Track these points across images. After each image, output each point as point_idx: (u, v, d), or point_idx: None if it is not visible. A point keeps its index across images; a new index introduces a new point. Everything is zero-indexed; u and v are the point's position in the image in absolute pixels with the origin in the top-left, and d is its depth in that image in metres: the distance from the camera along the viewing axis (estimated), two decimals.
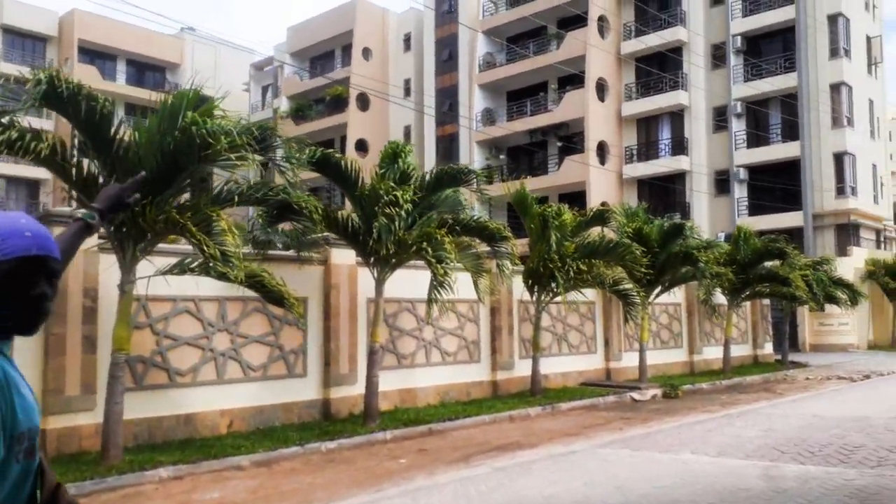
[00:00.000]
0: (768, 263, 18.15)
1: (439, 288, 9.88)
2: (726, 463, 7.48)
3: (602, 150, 33.75)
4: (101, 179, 7.66)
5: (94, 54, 40.62)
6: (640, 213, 15.67)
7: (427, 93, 39.17)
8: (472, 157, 36.28)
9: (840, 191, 30.69)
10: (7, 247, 1.44)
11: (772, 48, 32.60)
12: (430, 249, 9.78)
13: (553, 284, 12.52)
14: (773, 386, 16.40)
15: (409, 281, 11.99)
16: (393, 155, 10.73)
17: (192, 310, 9.48)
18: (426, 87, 39.50)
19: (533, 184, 34.67)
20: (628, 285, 13.74)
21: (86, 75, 29.83)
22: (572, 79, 34.05)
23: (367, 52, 40.75)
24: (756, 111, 32.69)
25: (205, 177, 8.25)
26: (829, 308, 23.77)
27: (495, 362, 13.59)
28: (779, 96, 31.69)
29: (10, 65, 35.98)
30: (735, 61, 32.53)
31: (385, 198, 9.67)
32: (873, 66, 33.88)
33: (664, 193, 34.03)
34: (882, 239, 34.42)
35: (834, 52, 30.95)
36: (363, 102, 40.05)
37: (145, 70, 43.85)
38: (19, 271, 1.45)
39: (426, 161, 39.02)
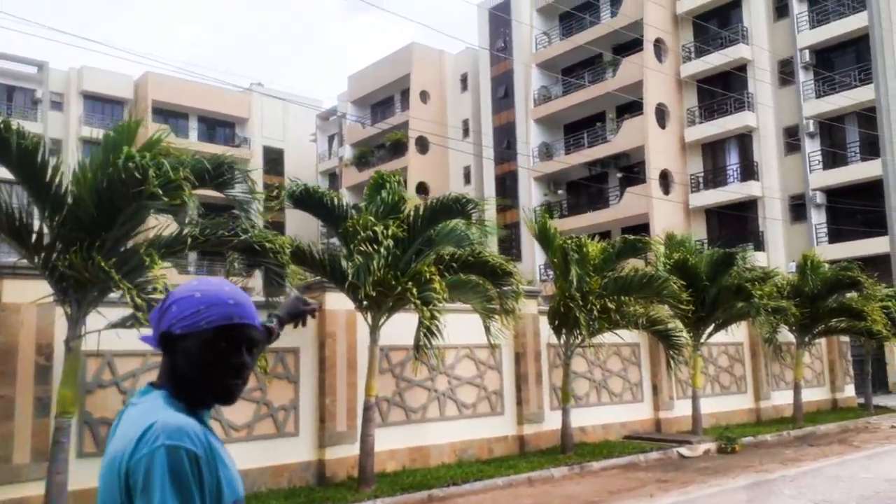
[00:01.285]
0: (842, 295, 15.93)
1: (429, 333, 8.84)
2: None
3: (665, 179, 31.82)
4: (42, 228, 7.10)
5: (167, 113, 42.49)
6: (687, 242, 14.05)
7: (485, 132, 38.53)
8: (530, 193, 35.12)
9: None
10: (211, 315, 1.44)
11: (844, 60, 30.01)
12: (415, 290, 8.78)
13: (578, 326, 11.17)
14: (850, 436, 14.16)
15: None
16: (376, 186, 9.84)
17: None
18: (484, 126, 38.90)
19: (593, 218, 33.11)
20: (670, 325, 12.16)
21: (160, 132, 31.11)
22: (631, 107, 32.51)
23: (424, 95, 40.69)
24: (831, 129, 30.02)
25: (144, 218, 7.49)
26: None
27: (521, 415, 12.25)
28: (855, 111, 28.96)
29: (89, 128, 38.18)
30: (804, 77, 30.11)
31: (362, 233, 8.76)
32: None
33: (735, 223, 31.59)
34: None
35: None
36: (422, 146, 39.86)
37: (216, 126, 45.62)
38: (221, 340, 1.44)
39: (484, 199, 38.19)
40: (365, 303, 9.37)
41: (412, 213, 9.69)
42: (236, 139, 45.44)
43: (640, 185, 31.23)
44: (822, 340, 18.10)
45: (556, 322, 11.86)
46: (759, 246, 30.32)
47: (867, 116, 28.77)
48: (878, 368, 23.84)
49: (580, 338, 11.83)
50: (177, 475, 1.30)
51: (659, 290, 11.52)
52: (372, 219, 9.02)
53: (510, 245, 35.61)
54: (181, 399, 1.45)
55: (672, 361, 12.17)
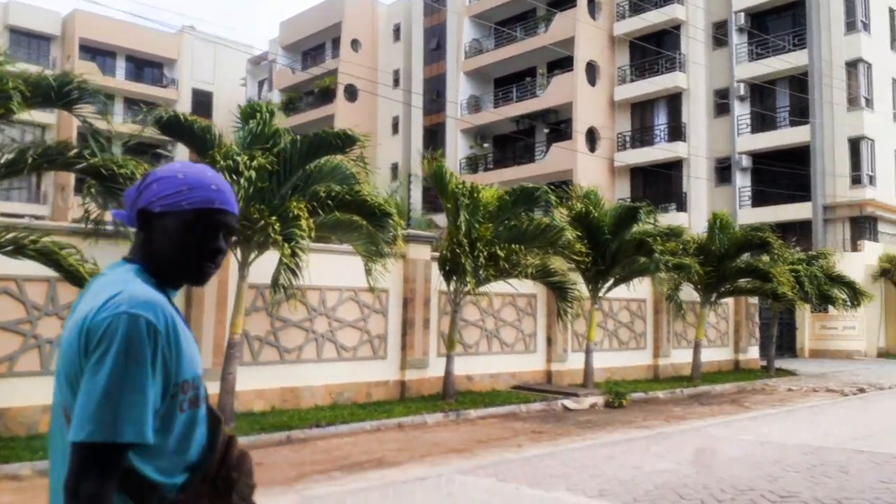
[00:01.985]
0: (752, 256, 15.80)
1: (289, 272, 8.08)
2: None
3: (592, 136, 31.44)
4: None
5: (95, 51, 40.84)
6: (592, 195, 13.52)
7: (415, 83, 37.31)
8: (456, 146, 34.29)
9: (855, 179, 27.93)
10: (193, 197, 1.43)
11: (780, 25, 29.92)
12: (277, 226, 8.02)
13: (466, 273, 10.51)
14: (744, 397, 14.10)
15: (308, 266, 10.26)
16: (245, 114, 8.96)
17: None
18: (414, 76, 37.66)
19: (518, 172, 32.47)
20: (564, 277, 11.64)
21: (86, 71, 29.39)
22: (562, 63, 31.81)
23: (355, 44, 39.18)
24: (762, 93, 30.07)
25: None
26: (835, 310, 21.26)
27: (405, 360, 11.62)
28: (787, 76, 29.02)
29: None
30: (738, 39, 29.94)
31: (221, 162, 7.86)
32: None
33: (659, 182, 31.60)
34: None
35: (850, 26, 28.17)
36: (351, 94, 38.44)
37: (144, 66, 43.67)
38: (200, 222, 1.43)
39: (413, 151, 37.22)
40: (233, 238, 8.48)
41: (288, 146, 8.83)
42: (164, 80, 43.31)
43: (567, 141, 30.79)
44: (730, 301, 18.08)
45: (447, 268, 11.19)
46: (682, 207, 30.44)
47: (799, 81, 28.87)
48: (787, 332, 24.32)
49: (469, 285, 11.21)
50: (132, 342, 1.27)
51: (553, 240, 10.93)
52: (235, 148, 8.13)
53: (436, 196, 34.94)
54: (152, 275, 1.44)
55: (564, 314, 11.68)
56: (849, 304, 17.46)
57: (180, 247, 1.44)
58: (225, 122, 45.62)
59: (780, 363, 20.58)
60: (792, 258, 16.95)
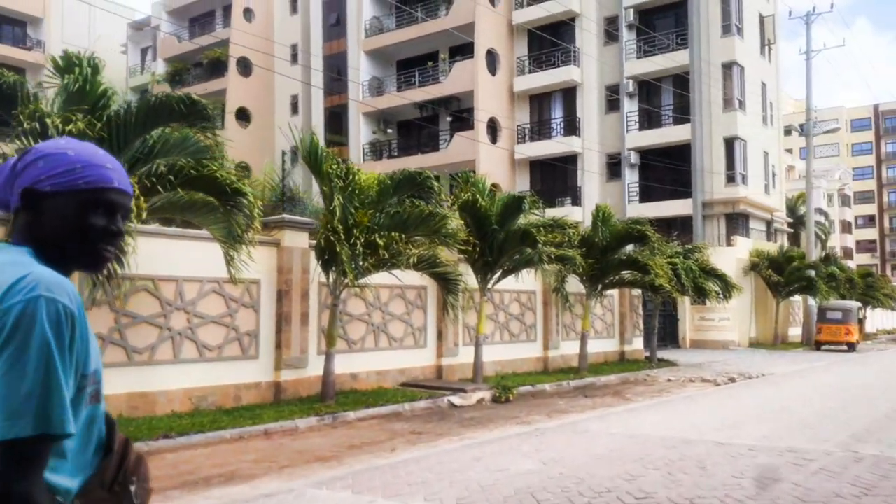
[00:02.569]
0: (632, 248, 16.08)
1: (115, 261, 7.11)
2: None
3: (493, 126, 31.43)
4: None
5: None
6: (480, 184, 13.20)
7: (315, 60, 35.85)
8: (359, 130, 33.34)
9: (730, 178, 29.44)
10: (89, 175, 1.34)
11: (666, 23, 30.99)
12: None
13: (341, 263, 9.86)
14: (626, 389, 14.35)
15: (160, 254, 9.20)
16: (59, 69, 7.76)
17: None
18: (314, 53, 36.17)
19: (423, 161, 31.94)
20: (449, 267, 11.24)
21: None
22: (464, 49, 31.55)
23: (248, 13, 37.01)
24: (649, 90, 31.08)
25: None
26: (711, 302, 22.28)
27: (280, 359, 10.83)
28: (671, 75, 30.13)
29: None
30: (628, 36, 30.76)
31: (25, 124, 6.74)
32: (767, 48, 32.82)
33: (557, 176, 32.10)
34: (772, 231, 33.64)
35: (726, 30, 29.55)
36: (245, 68, 36.37)
37: (3, 24, 38.94)
38: (99, 203, 1.34)
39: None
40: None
41: (121, 111, 7.76)
42: (28, 41, 39.04)
43: (470, 131, 30.60)
44: (615, 293, 18.44)
45: (325, 257, 10.50)
46: (577, 201, 31.05)
47: (682, 81, 30.00)
48: (670, 324, 25.31)
49: (350, 276, 10.57)
50: (53, 328, 1.19)
51: (437, 228, 10.48)
52: (44, 108, 6.96)
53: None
54: (46, 259, 1.31)
55: (451, 307, 11.30)
56: (721, 296, 18.22)
57: (76, 229, 1.33)
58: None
59: (662, 353, 21.35)
60: (670, 251, 17.46)
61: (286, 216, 11.37)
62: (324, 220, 10.02)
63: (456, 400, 11.69)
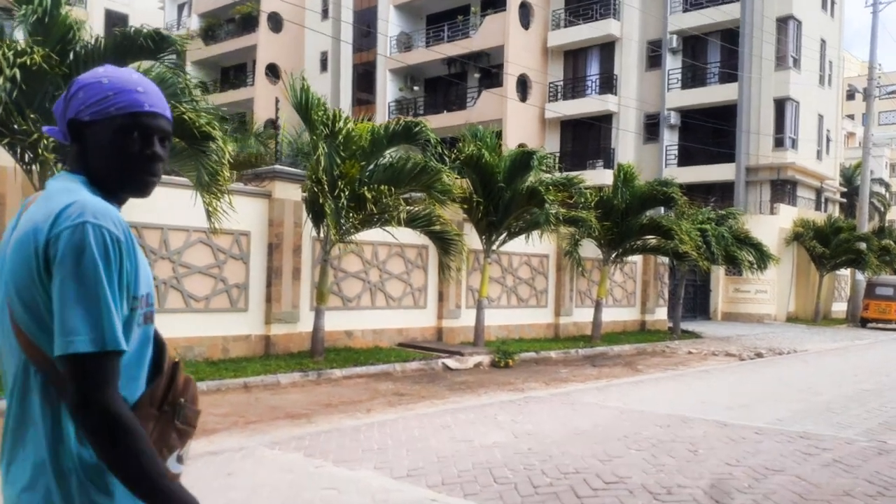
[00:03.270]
0: (657, 212, 15.32)
1: None
2: (388, 498, 4.68)
3: (524, 84, 30.47)
4: None
5: None
6: (488, 137, 12.64)
7: (345, 16, 35.25)
8: (385, 87, 32.78)
9: (778, 142, 27.99)
10: (120, 101, 1.38)
11: None
12: (48, 141, 6.82)
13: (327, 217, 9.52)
14: (640, 360, 13.78)
15: (142, 200, 9.00)
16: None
17: None
18: (344, 8, 35.55)
19: (449, 119, 31.31)
20: (445, 226, 10.81)
21: None
22: (497, 2, 30.49)
23: None
24: (694, 47, 29.60)
25: None
26: (747, 273, 21.34)
27: (270, 313, 10.65)
28: (719, 30, 28.57)
29: None
30: None
31: None
32: (829, 1, 30.84)
33: (589, 137, 31.07)
34: (822, 200, 32.06)
35: None
36: (276, 24, 36.00)
37: None
38: (132, 128, 1.38)
39: (342, 91, 35.48)
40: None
41: (89, 46, 7.47)
42: None
43: (498, 88, 29.73)
44: (638, 260, 17.75)
45: (315, 211, 10.19)
46: (609, 163, 29.99)
47: (731, 36, 28.45)
48: (701, 294, 24.45)
49: (342, 231, 10.25)
50: (101, 251, 1.25)
51: (430, 183, 10.03)
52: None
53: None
54: (97, 186, 1.39)
55: (446, 267, 10.90)
56: (755, 266, 17.33)
57: (115, 155, 1.38)
58: None
59: (691, 325, 20.61)
60: (701, 217, 16.62)
61: (277, 167, 11.08)
62: (310, 170, 9.67)
63: (451, 363, 11.37)
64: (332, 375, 9.87)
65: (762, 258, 17.24)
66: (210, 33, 37.94)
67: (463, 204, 12.26)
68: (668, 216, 14.59)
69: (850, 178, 39.98)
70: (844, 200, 35.96)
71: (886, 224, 37.13)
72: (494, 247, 12.89)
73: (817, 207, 30.60)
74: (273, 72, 35.80)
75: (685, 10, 29.03)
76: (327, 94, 35.88)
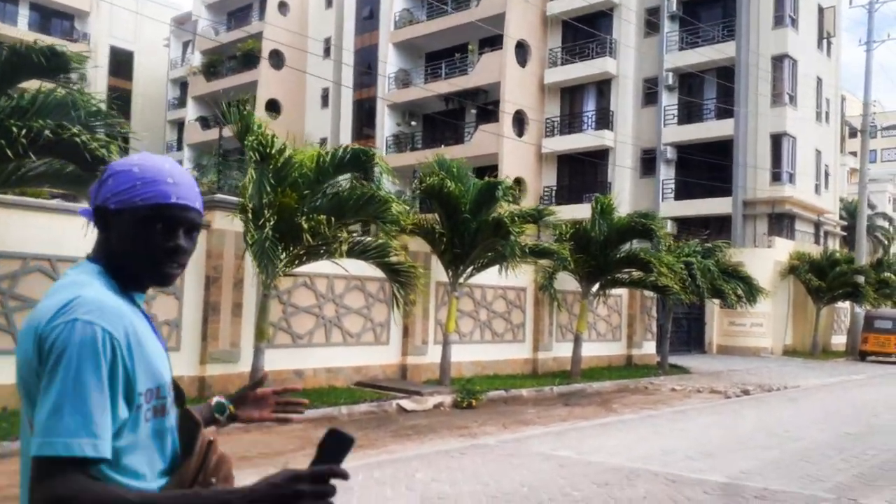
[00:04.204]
0: (638, 245, 14.23)
1: None
2: None
3: (521, 120, 29.74)
4: None
5: None
6: (455, 167, 11.74)
7: (347, 53, 34.97)
8: (384, 122, 32.23)
9: (776, 176, 26.86)
10: (147, 192, 1.31)
11: (711, 14, 28.57)
12: None
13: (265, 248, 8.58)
14: (619, 398, 12.59)
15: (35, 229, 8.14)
16: None
17: None
18: (346, 47, 35.29)
19: (447, 153, 30.38)
20: (400, 258, 9.83)
21: None
22: (495, 41, 29.92)
23: (283, 7, 36.47)
24: (690, 84, 28.75)
25: None
26: (743, 306, 20.07)
27: (206, 352, 9.70)
28: (715, 68, 27.73)
29: None
30: (669, 27, 28.49)
31: None
32: (825, 41, 29.91)
33: (585, 172, 30.14)
34: (821, 233, 30.70)
35: (778, 21, 26.97)
36: (277, 60, 35.84)
37: (52, 16, 39.68)
38: (156, 219, 1.32)
39: (342, 126, 35.02)
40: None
41: None
42: (75, 33, 39.66)
43: (493, 124, 29.02)
44: (623, 293, 16.61)
45: (248, 242, 9.27)
46: None
47: (727, 73, 27.58)
48: (696, 328, 23.15)
49: (293, 263, 9.33)
50: (85, 352, 1.17)
51: (378, 213, 9.12)
52: None
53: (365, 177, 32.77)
54: (114, 276, 1.33)
55: (398, 299, 9.89)
56: (744, 300, 16.11)
57: (136, 246, 1.31)
58: (148, 85, 42.19)
59: (684, 359, 19.33)
60: (688, 250, 15.51)
61: (217, 196, 10.23)
62: (241, 200, 8.78)
63: (407, 404, 10.28)
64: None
65: (751, 291, 16.03)
66: (212, 69, 37.83)
67: (426, 236, 11.32)
68: (649, 249, 13.47)
69: (852, 213, 38.57)
70: (846, 234, 34.52)
71: (891, 257, 35.51)
72: (462, 279, 11.88)
73: (816, 241, 29.27)
74: (273, 107, 35.50)
75: (681, 49, 28.28)
76: (327, 129, 35.49)
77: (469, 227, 11.30)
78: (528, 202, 31.54)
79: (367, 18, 34.73)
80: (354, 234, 9.56)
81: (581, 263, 13.30)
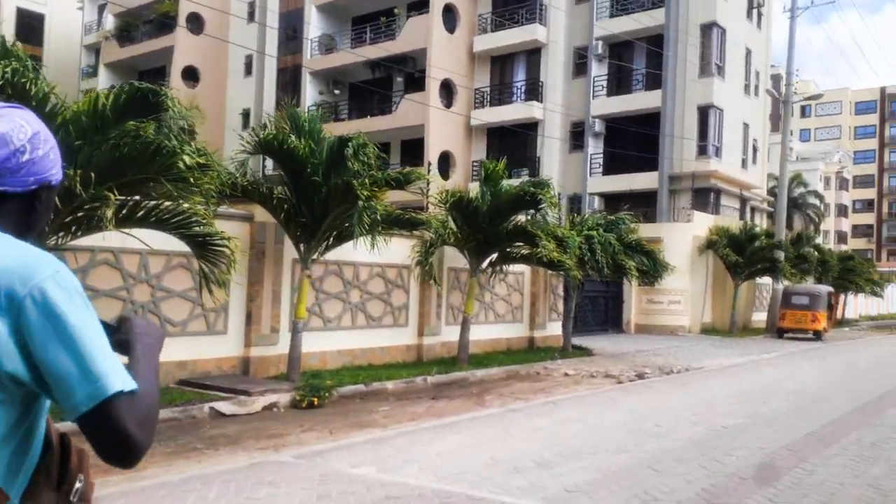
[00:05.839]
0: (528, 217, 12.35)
1: None
2: None
3: (449, 90, 27.58)
4: None
5: None
6: (304, 120, 9.61)
7: (271, 17, 32.09)
8: (304, 90, 29.67)
9: (702, 150, 25.40)
10: (60, 172, 1.31)
11: None
12: None
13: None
14: (501, 387, 10.81)
15: None
16: None
17: None
18: (270, 10, 32.40)
19: (371, 124, 28.16)
20: (207, 228, 7.71)
21: None
22: (424, 5, 27.61)
23: None
24: (621, 54, 26.96)
25: None
26: (663, 283, 18.55)
27: None
28: (646, 36, 25.95)
29: None
30: None
31: None
32: (755, 11, 28.40)
33: (515, 145, 28.21)
34: (748, 209, 29.52)
35: None
36: (196, 25, 32.71)
37: None
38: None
39: (265, 95, 32.30)
40: None
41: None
42: None
43: (419, 93, 26.81)
44: (526, 270, 14.81)
45: None
46: (535, 172, 27.12)
47: (657, 42, 25.82)
48: (614, 306, 21.64)
49: (59, 234, 7.15)
50: (81, 297, 1.14)
51: (168, 168, 6.98)
52: None
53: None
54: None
55: (205, 277, 7.79)
56: (649, 276, 14.49)
57: (47, 216, 1.34)
58: (60, 50, 38.23)
59: (596, 340, 17.78)
60: (591, 223, 13.75)
61: None
62: None
63: (225, 407, 8.25)
64: None
65: (656, 267, 14.39)
66: (126, 34, 34.33)
67: (262, 202, 9.24)
68: (532, 220, 11.59)
69: (787, 190, 37.64)
70: (773, 210, 33.53)
71: (817, 234, 34.76)
72: (316, 255, 9.83)
73: (742, 217, 28.05)
74: (192, 75, 32.53)
75: (612, 16, 26.40)
76: (251, 99, 32.74)
77: (319, 192, 9.24)
78: (458, 177, 29.61)
79: None
80: (144, 200, 7.38)
81: (466, 237, 11.37)
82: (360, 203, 8.68)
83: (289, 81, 31.91)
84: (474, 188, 12.46)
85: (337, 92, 30.10)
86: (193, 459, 6.32)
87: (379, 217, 8.86)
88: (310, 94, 29.53)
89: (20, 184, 1.22)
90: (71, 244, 7.56)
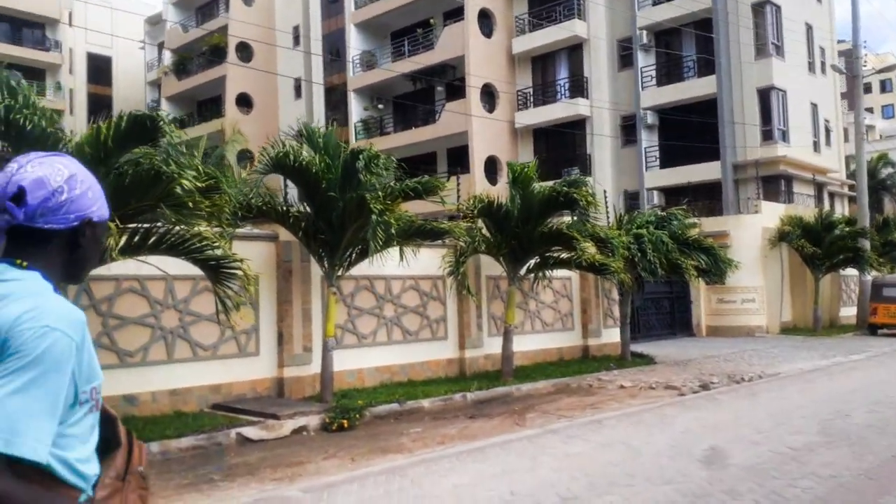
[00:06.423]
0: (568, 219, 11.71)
1: None
2: None
3: (490, 94, 27.18)
4: None
5: None
6: (317, 135, 9.42)
7: (314, 41, 32.70)
8: (350, 107, 29.95)
9: (766, 135, 23.91)
10: (103, 209, 1.46)
11: None
12: None
13: None
14: (547, 403, 10.16)
15: None
16: None
17: None
18: (313, 34, 33.05)
19: (416, 136, 28.15)
20: (218, 251, 7.58)
21: None
22: (459, 12, 27.41)
23: None
24: (668, 41, 25.83)
25: None
26: (734, 280, 17.39)
27: None
28: (693, 21, 24.76)
29: None
30: None
31: None
32: None
33: (564, 144, 27.47)
34: (825, 195, 27.55)
35: None
36: (245, 53, 33.74)
37: (23, 27, 38.03)
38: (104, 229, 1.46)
39: (315, 115, 32.80)
40: None
41: None
42: (46, 42, 38.12)
43: (460, 101, 26.54)
44: (574, 276, 14.13)
45: None
46: (587, 170, 26.30)
47: (706, 25, 24.60)
48: (681, 308, 20.48)
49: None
50: (53, 359, 1.24)
51: (167, 194, 6.89)
52: None
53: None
54: (51, 280, 1.38)
55: (221, 300, 7.65)
56: (710, 274, 13.51)
57: (95, 254, 1.49)
58: (127, 88, 40.20)
59: (661, 346, 16.83)
60: (640, 221, 12.97)
61: None
62: None
63: (252, 432, 8.06)
64: None
65: (717, 265, 13.39)
66: (182, 68, 35.86)
67: (279, 220, 9.09)
68: (575, 223, 10.93)
69: (872, 172, 35.15)
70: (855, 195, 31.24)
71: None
72: (340, 272, 9.59)
73: (819, 204, 26.17)
74: (245, 102, 33.48)
75: (655, 4, 25.37)
76: (302, 120, 33.34)
77: (336, 208, 9.01)
78: (505, 182, 29.07)
79: (332, 2, 32.39)
80: (154, 226, 7.33)
81: (499, 244, 10.89)
82: (374, 217, 8.37)
83: (337, 100, 32.36)
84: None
85: (381, 107, 30.24)
86: (205, 493, 6.10)
87: (394, 231, 8.49)
88: (355, 110, 29.79)
89: (62, 221, 1.36)
90: (95, 274, 7.62)
